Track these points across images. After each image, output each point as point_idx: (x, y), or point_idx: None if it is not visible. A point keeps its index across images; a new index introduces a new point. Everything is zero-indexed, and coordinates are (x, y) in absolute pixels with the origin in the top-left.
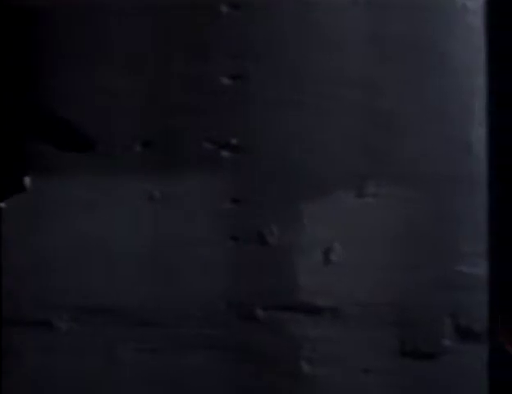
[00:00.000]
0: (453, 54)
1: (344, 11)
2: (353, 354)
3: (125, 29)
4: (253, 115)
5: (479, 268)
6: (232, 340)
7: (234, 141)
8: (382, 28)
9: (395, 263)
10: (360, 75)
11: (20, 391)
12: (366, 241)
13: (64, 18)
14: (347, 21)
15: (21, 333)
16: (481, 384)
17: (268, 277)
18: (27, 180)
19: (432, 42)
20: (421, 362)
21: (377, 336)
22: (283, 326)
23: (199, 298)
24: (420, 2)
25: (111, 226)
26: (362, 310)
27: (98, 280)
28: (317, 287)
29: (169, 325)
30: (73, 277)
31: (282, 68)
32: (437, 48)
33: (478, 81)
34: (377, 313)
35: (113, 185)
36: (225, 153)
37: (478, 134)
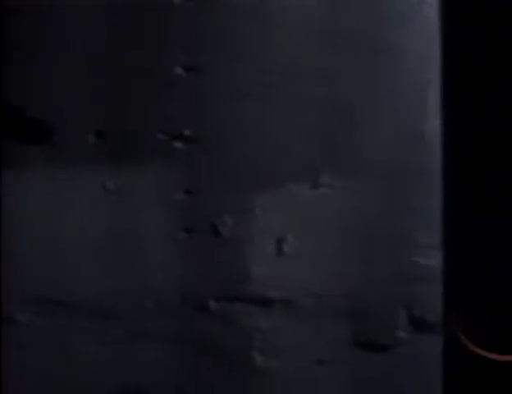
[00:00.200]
0: (408, 46)
1: (297, 2)
2: (306, 345)
3: (80, 24)
4: (206, 106)
5: (434, 260)
6: (186, 332)
7: (187, 132)
8: (337, 19)
9: (349, 255)
10: (314, 67)
11: None
12: (320, 233)
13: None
14: (301, 13)
15: None
16: (435, 375)
17: (221, 268)
18: None
19: (387, 34)
20: (375, 353)
21: (331, 327)
22: (235, 317)
23: (154, 290)
24: None
25: (66, 218)
26: (315, 302)
27: (55, 272)
28: (269, 279)
29: (125, 318)
30: (30, 270)
31: (236, 60)
32: (392, 39)
33: (433, 73)
34: (330, 304)
35: (68, 176)
36: (178, 144)
37: (433, 126)
